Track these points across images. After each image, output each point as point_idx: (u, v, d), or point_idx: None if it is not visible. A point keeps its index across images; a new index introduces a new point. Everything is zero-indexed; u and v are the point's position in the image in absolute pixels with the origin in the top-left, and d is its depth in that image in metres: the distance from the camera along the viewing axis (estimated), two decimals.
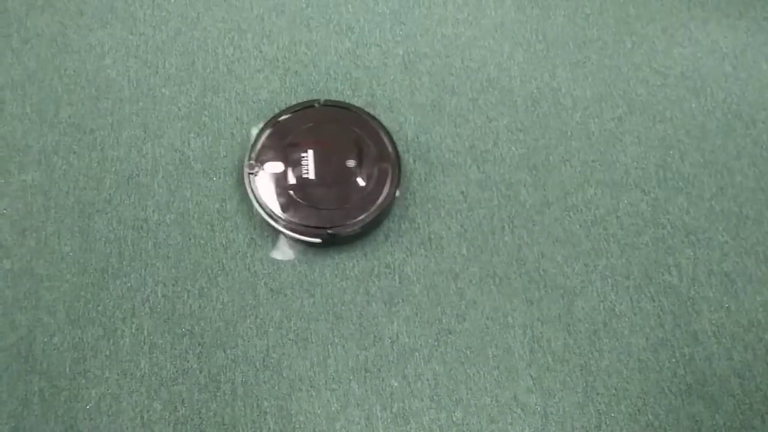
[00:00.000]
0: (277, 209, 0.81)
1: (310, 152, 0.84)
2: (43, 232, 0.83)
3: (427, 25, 0.99)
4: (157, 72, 0.94)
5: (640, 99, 0.95)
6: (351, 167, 0.84)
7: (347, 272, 0.83)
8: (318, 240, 0.81)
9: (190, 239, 0.84)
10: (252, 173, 0.83)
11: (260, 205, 0.81)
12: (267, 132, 0.86)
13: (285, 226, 0.81)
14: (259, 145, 0.85)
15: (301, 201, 0.82)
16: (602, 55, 0.98)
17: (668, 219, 0.87)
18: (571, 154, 0.91)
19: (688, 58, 0.98)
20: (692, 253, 0.85)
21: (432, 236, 0.85)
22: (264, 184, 0.83)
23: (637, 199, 0.88)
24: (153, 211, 0.85)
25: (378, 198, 0.82)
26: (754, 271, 0.84)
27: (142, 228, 0.84)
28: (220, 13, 0.99)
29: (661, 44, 0.99)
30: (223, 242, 0.84)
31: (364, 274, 0.83)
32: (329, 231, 0.80)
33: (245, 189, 0.83)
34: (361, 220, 0.81)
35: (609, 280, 0.83)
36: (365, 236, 0.84)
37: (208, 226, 0.84)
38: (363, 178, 0.83)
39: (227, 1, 1.00)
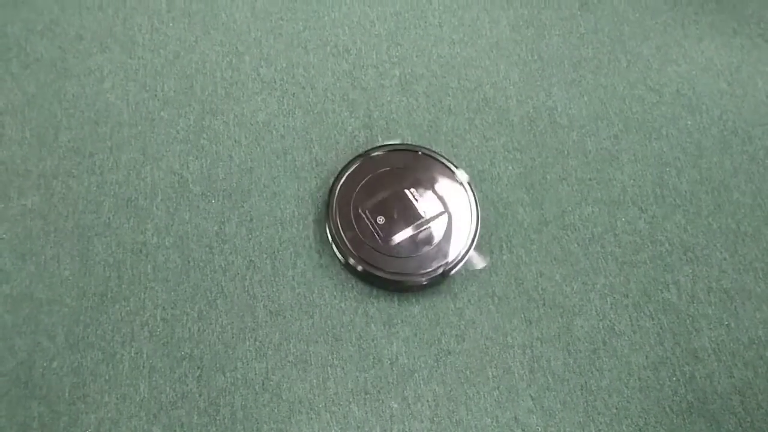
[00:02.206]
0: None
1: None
2: (43, 257, 0.83)
3: (423, 46, 1.00)
4: (155, 95, 0.95)
5: (636, 117, 0.95)
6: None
7: (346, 293, 0.83)
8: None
9: (189, 262, 0.84)
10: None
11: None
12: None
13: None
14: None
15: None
16: (597, 74, 0.99)
17: (666, 236, 0.87)
18: (568, 172, 0.91)
19: (683, 75, 0.99)
20: (691, 271, 0.85)
21: None
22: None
23: (634, 217, 0.88)
24: (152, 234, 0.85)
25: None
26: (753, 287, 0.84)
27: (141, 251, 0.84)
28: (218, 36, 1.00)
29: (656, 62, 1.00)
30: (222, 265, 0.84)
31: (363, 295, 0.83)
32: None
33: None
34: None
35: (608, 298, 0.83)
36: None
37: (207, 249, 0.85)
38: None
39: (225, 24, 1.01)
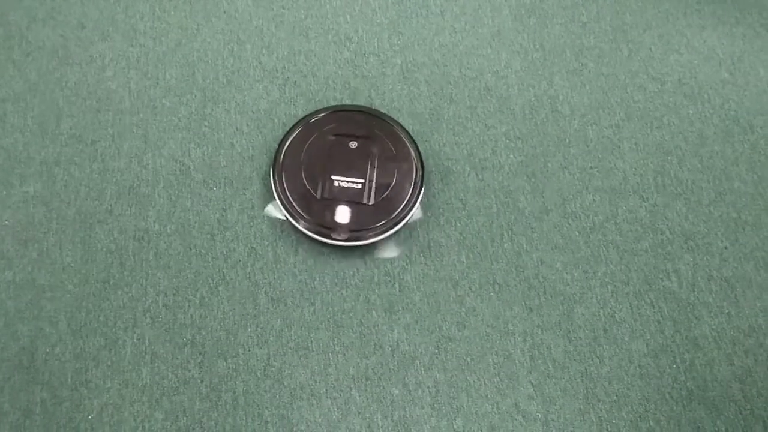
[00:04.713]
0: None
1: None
2: (45, 243, 0.84)
3: (424, 35, 1.00)
4: (157, 83, 0.95)
5: (638, 106, 0.95)
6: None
7: (347, 280, 0.83)
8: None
9: (190, 249, 0.84)
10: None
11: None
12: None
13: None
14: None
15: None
16: (599, 63, 0.99)
17: (667, 225, 0.87)
18: (569, 161, 0.91)
19: (684, 64, 0.99)
20: (691, 259, 0.85)
21: (431, 244, 0.85)
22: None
23: (635, 206, 0.88)
24: (154, 222, 0.85)
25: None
26: (753, 276, 0.85)
27: (143, 238, 0.84)
28: (220, 24, 1.00)
29: (657, 51, 1.00)
30: (224, 252, 0.84)
31: (365, 282, 0.83)
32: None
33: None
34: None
35: (609, 286, 0.83)
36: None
37: (209, 236, 0.85)
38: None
39: (227, 12, 1.01)
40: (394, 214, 0.82)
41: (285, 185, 0.83)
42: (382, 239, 0.83)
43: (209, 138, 0.91)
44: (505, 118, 0.94)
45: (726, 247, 0.86)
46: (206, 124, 0.92)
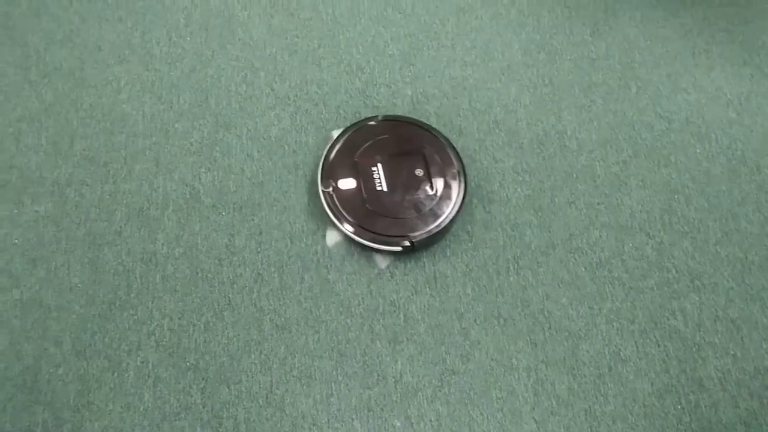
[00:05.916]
0: (355, 222, 0.84)
1: (380, 165, 0.87)
2: (53, 263, 0.84)
3: (435, 67, 1.01)
4: (171, 108, 0.96)
5: (645, 143, 0.96)
6: (420, 176, 0.87)
7: (352, 309, 0.83)
8: (399, 248, 0.83)
9: (197, 273, 0.84)
10: (326, 191, 0.85)
11: (338, 219, 0.84)
12: (334, 151, 0.89)
13: (367, 239, 0.84)
14: (329, 163, 0.88)
15: (377, 212, 0.85)
16: (608, 100, 0.99)
17: (673, 263, 0.87)
18: (577, 196, 0.91)
19: (692, 104, 1.00)
20: (697, 299, 0.85)
21: (437, 275, 0.85)
22: (339, 200, 0.86)
23: (642, 243, 0.89)
24: (162, 245, 0.86)
25: (450, 202, 0.86)
26: (759, 317, 0.84)
27: (150, 261, 0.85)
28: (234, 51, 1.01)
29: (665, 90, 1.01)
30: (230, 277, 0.84)
31: (369, 311, 0.83)
32: (411, 240, 0.83)
33: (322, 207, 0.86)
34: (438, 225, 0.84)
35: (614, 323, 0.83)
36: (442, 239, 0.87)
37: (216, 261, 0.85)
38: (432, 185, 0.87)
39: (242, 40, 1.02)
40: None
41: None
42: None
43: (220, 163, 0.92)
44: (514, 151, 0.95)
45: (732, 288, 0.86)
46: (217, 149, 0.93)
